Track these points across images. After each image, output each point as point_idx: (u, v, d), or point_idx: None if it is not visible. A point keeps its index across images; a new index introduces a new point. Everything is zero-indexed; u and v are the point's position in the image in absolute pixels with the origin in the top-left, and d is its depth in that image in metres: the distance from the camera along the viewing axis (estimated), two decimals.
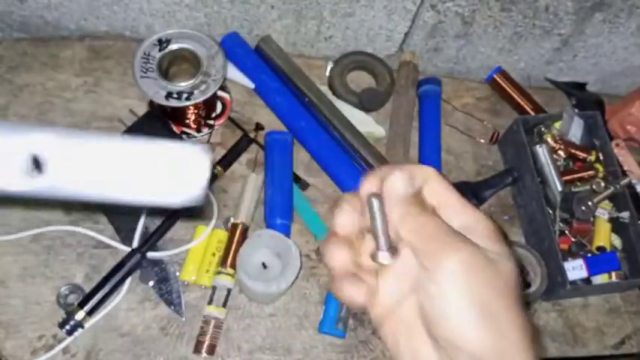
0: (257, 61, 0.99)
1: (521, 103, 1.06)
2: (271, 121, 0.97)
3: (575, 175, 0.97)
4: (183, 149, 0.20)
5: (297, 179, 0.93)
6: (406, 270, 0.33)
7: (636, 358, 0.95)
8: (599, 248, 0.93)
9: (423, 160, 0.98)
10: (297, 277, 0.79)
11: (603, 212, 0.94)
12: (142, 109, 0.92)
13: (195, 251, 0.85)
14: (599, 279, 0.92)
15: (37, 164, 0.20)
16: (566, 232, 0.93)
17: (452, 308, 0.30)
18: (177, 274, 0.84)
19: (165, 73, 0.87)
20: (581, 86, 1.12)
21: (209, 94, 0.85)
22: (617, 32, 0.99)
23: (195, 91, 0.85)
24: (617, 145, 1.01)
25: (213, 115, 0.93)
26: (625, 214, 0.94)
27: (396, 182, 0.33)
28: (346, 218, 0.35)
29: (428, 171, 0.34)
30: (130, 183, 0.20)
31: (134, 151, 0.20)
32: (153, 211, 0.85)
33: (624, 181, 0.94)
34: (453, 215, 0.33)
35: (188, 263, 0.84)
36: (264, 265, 0.81)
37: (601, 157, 0.98)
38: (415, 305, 0.33)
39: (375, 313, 0.34)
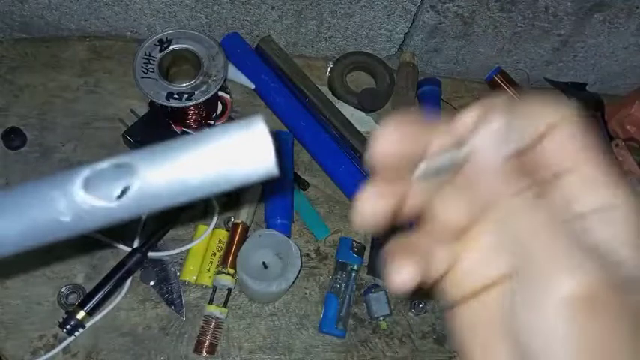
0: (257, 61, 0.99)
1: None
2: (271, 122, 0.97)
3: None
4: (240, 128, 0.20)
5: (297, 179, 0.93)
6: (505, 248, 0.24)
7: None
8: None
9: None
10: (297, 277, 0.80)
11: None
12: (142, 110, 0.92)
13: (196, 251, 0.85)
14: None
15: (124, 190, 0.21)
16: None
17: (553, 346, 0.22)
18: (178, 273, 0.84)
19: (165, 73, 0.88)
20: (580, 86, 1.12)
21: (210, 95, 0.85)
22: (617, 33, 0.99)
23: (196, 92, 0.86)
24: (616, 145, 1.02)
25: (214, 115, 0.93)
26: None
27: (494, 134, 0.22)
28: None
29: (558, 113, 0.24)
30: (210, 174, 0.20)
31: (203, 145, 0.20)
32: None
33: None
34: (582, 191, 0.23)
35: (189, 263, 0.85)
36: (265, 265, 0.81)
37: None
38: (508, 301, 0.23)
39: (453, 289, 0.26)
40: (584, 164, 0.23)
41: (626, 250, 0.23)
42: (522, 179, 0.22)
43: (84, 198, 0.20)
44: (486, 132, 0.22)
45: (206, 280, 0.84)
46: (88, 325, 0.79)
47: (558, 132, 0.23)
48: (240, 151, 0.21)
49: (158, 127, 0.90)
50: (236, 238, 0.85)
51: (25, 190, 0.21)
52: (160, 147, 0.21)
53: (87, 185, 0.20)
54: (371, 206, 0.24)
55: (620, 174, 0.24)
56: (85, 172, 0.20)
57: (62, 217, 0.20)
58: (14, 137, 0.88)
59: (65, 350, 0.78)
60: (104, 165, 0.21)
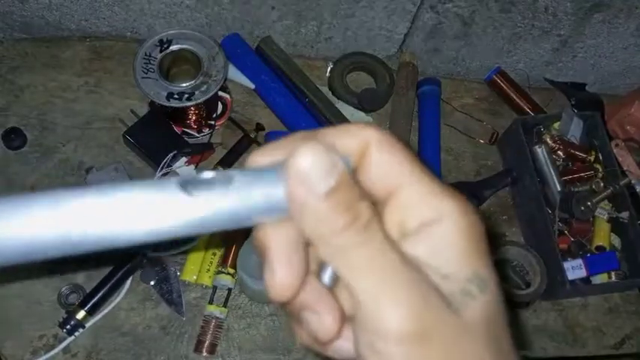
0: (257, 61, 0.99)
1: (521, 103, 1.07)
2: (271, 122, 0.97)
3: (575, 176, 0.97)
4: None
5: None
6: (343, 289, 0.24)
7: (636, 358, 0.96)
8: (598, 248, 0.93)
9: (422, 160, 0.98)
10: None
11: (602, 212, 0.94)
12: (143, 110, 0.92)
13: (196, 251, 0.85)
14: (599, 279, 0.93)
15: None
16: (566, 232, 0.93)
17: None
18: (178, 273, 0.84)
19: (166, 73, 0.88)
20: (580, 86, 1.12)
21: (210, 95, 0.85)
22: (617, 33, 0.99)
23: (196, 92, 0.86)
24: (616, 145, 1.02)
25: (214, 115, 0.94)
26: (624, 214, 0.94)
27: (304, 164, 0.20)
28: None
29: (365, 135, 0.23)
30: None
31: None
32: None
33: (623, 181, 0.94)
34: (408, 206, 0.23)
35: (189, 263, 0.85)
36: None
37: (600, 158, 0.98)
38: (354, 343, 0.23)
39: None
40: (407, 180, 0.23)
41: (451, 264, 0.22)
42: (346, 213, 0.21)
43: None
44: (301, 161, 0.21)
45: (206, 280, 0.84)
46: (88, 325, 0.79)
47: (374, 154, 0.23)
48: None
49: (158, 127, 0.90)
50: (236, 238, 0.85)
51: None
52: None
53: None
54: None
55: (446, 185, 0.24)
56: None
57: None
58: (14, 137, 0.88)
59: (65, 350, 0.78)
60: None
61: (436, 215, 0.23)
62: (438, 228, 0.22)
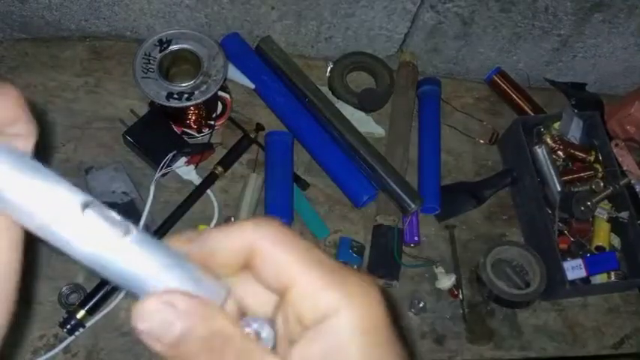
0: (257, 61, 0.99)
1: (521, 103, 1.07)
2: (271, 122, 0.97)
3: (575, 176, 0.97)
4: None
5: (297, 179, 0.93)
6: None
7: (635, 358, 0.96)
8: (598, 248, 0.93)
9: (422, 160, 0.98)
10: None
11: (602, 212, 0.94)
12: (142, 110, 0.92)
13: None
14: (599, 279, 0.93)
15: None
16: (566, 232, 0.93)
17: None
18: None
19: (165, 73, 0.88)
20: (580, 86, 1.12)
21: (210, 95, 0.85)
22: (617, 33, 0.99)
23: (196, 92, 0.86)
24: (616, 145, 1.02)
25: (214, 115, 0.94)
26: (624, 214, 0.94)
27: (142, 326, 0.21)
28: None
29: (252, 235, 0.23)
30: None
31: None
32: (153, 210, 0.86)
33: (623, 181, 0.94)
34: (299, 302, 0.23)
35: None
36: None
37: (600, 158, 0.98)
38: None
39: None
40: (297, 276, 0.23)
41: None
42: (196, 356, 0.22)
43: None
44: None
45: None
46: (88, 325, 0.79)
47: (263, 253, 0.23)
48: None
49: (158, 127, 0.90)
50: None
51: None
52: None
53: None
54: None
55: (343, 271, 0.23)
56: None
57: None
58: None
59: (65, 350, 0.78)
60: None
61: (328, 311, 0.22)
62: (330, 325, 0.22)
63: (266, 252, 0.23)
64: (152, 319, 0.21)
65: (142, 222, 0.85)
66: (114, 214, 0.21)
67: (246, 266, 0.24)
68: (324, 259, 0.23)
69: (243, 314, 0.25)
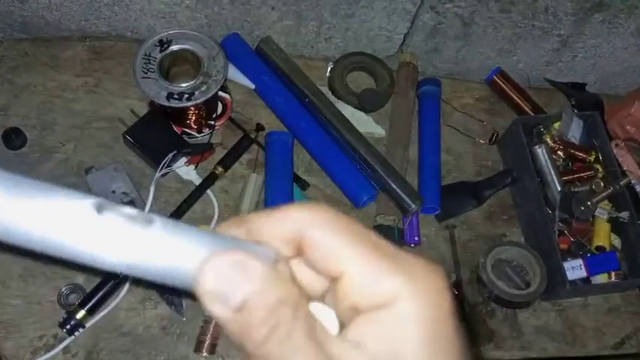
0: (257, 61, 0.99)
1: (521, 103, 1.07)
2: (272, 122, 0.97)
3: (575, 176, 0.97)
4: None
5: (297, 179, 0.93)
6: None
7: (636, 358, 0.96)
8: (598, 248, 0.93)
9: (422, 160, 0.98)
10: None
11: (602, 212, 0.94)
12: (142, 110, 0.92)
13: None
14: (599, 279, 0.93)
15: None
16: (566, 232, 0.93)
17: None
18: None
19: (166, 73, 0.88)
20: (580, 87, 1.12)
21: (210, 95, 0.85)
22: (617, 33, 0.99)
23: (196, 92, 0.86)
24: (616, 145, 1.02)
25: (214, 115, 0.94)
26: (624, 214, 0.94)
27: (208, 286, 0.20)
28: None
29: (300, 218, 0.22)
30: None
31: None
32: (153, 210, 0.85)
33: (623, 181, 0.94)
34: (354, 291, 0.21)
35: None
36: None
37: (600, 158, 0.98)
38: None
39: None
40: (350, 263, 0.21)
41: (408, 354, 0.20)
42: (261, 326, 0.20)
43: None
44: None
45: None
46: (88, 325, 0.79)
47: (313, 238, 0.22)
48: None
49: (158, 128, 0.90)
50: None
51: None
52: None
53: None
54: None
55: (407, 255, 0.22)
56: None
57: None
58: (14, 137, 0.88)
59: (65, 350, 0.78)
60: None
61: (388, 297, 0.21)
62: (390, 312, 0.20)
63: (317, 237, 0.22)
64: (220, 278, 0.20)
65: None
66: (129, 209, 0.20)
67: (296, 252, 0.23)
68: (382, 244, 0.22)
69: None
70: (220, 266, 0.20)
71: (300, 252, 0.23)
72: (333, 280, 0.22)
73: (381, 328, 0.20)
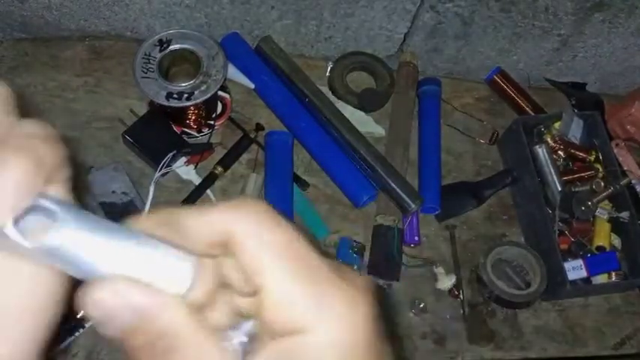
0: (257, 61, 0.99)
1: (521, 103, 1.06)
2: (271, 122, 0.97)
3: (575, 175, 0.97)
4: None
5: (297, 179, 0.93)
6: None
7: (636, 358, 0.96)
8: (598, 248, 0.93)
9: (422, 160, 0.98)
10: None
11: (603, 212, 0.94)
12: (142, 109, 0.92)
13: None
14: (599, 279, 0.92)
15: None
16: (566, 232, 0.93)
17: None
18: None
19: (165, 73, 0.88)
20: (580, 86, 1.12)
21: (209, 95, 0.85)
22: (617, 32, 0.99)
23: (196, 92, 0.86)
24: (616, 145, 1.02)
25: (214, 115, 0.93)
26: (625, 214, 0.94)
27: (96, 313, 0.20)
28: None
29: (232, 220, 0.21)
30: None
31: None
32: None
33: (624, 181, 0.94)
34: (270, 309, 0.20)
35: None
36: None
37: (600, 157, 0.98)
38: None
39: None
40: (272, 279, 0.20)
41: None
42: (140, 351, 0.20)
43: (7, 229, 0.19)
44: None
45: None
46: (88, 325, 0.79)
47: (241, 242, 0.21)
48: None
49: (158, 127, 0.90)
50: None
51: None
52: (100, 224, 0.20)
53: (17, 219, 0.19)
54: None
55: (331, 276, 0.20)
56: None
57: None
58: None
59: (65, 350, 0.78)
60: (42, 203, 0.20)
61: (302, 324, 0.19)
62: (302, 340, 0.19)
63: (243, 245, 0.21)
64: (98, 307, 0.20)
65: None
66: (45, 203, 0.20)
67: (226, 249, 0.21)
68: (308, 260, 0.20)
69: (226, 288, 0.23)
70: (99, 296, 0.20)
71: (229, 250, 0.21)
72: (255, 294, 0.21)
73: (291, 356, 0.19)
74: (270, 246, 0.20)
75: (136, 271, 0.21)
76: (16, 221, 0.19)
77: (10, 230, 0.19)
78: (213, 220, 0.21)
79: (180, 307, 0.20)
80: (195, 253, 0.21)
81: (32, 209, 0.20)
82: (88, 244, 0.20)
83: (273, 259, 0.20)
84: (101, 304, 0.20)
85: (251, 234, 0.21)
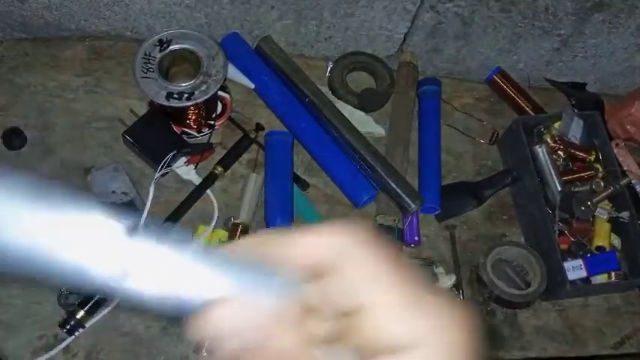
0: (257, 61, 0.99)
1: (521, 103, 1.06)
2: (271, 122, 0.97)
3: (575, 175, 0.97)
4: None
5: (297, 179, 0.93)
6: None
7: (636, 358, 0.96)
8: (598, 248, 0.93)
9: (422, 160, 0.98)
10: None
11: (603, 212, 0.94)
12: (142, 109, 0.92)
13: None
14: (599, 279, 0.92)
15: None
16: (566, 232, 0.93)
17: None
18: None
19: (165, 73, 0.88)
20: (580, 86, 1.12)
21: (209, 95, 0.85)
22: (617, 32, 0.99)
23: (196, 92, 0.86)
24: (616, 145, 1.02)
25: (214, 115, 0.93)
26: (624, 214, 0.94)
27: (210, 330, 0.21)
28: None
29: (335, 243, 0.21)
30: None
31: None
32: (153, 211, 0.85)
33: (624, 181, 0.94)
34: (376, 327, 0.20)
35: None
36: None
37: (600, 157, 0.98)
38: None
39: None
40: (376, 298, 0.20)
41: None
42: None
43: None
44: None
45: None
46: (88, 325, 0.79)
47: (344, 264, 0.21)
48: None
49: (158, 127, 0.90)
50: (236, 238, 0.85)
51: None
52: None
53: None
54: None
55: (433, 298, 0.21)
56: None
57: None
58: (14, 137, 0.88)
59: (65, 350, 0.78)
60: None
61: (404, 343, 0.20)
62: (417, 352, 0.20)
63: (346, 266, 0.21)
64: (213, 326, 0.20)
65: (141, 222, 0.85)
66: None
67: (316, 275, 0.21)
68: (409, 283, 0.21)
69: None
70: (212, 316, 0.20)
71: (316, 277, 0.21)
72: (345, 314, 0.21)
73: None
74: (378, 265, 0.21)
75: (243, 292, 0.21)
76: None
77: None
78: (313, 245, 0.22)
79: (295, 328, 0.21)
80: (293, 277, 0.22)
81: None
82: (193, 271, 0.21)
83: (380, 277, 0.21)
84: (216, 323, 0.20)
85: (357, 256, 0.21)
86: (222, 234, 0.86)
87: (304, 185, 0.93)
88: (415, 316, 0.20)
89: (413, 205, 0.90)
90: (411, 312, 0.20)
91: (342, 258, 0.21)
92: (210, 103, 0.90)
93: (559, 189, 0.94)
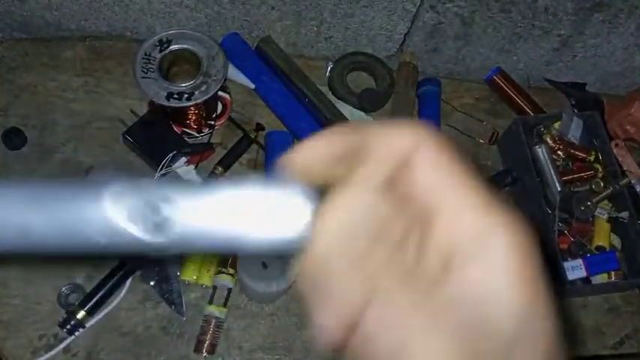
0: (257, 61, 0.99)
1: (521, 103, 1.07)
2: (271, 122, 0.97)
3: (575, 175, 0.97)
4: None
5: None
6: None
7: (636, 358, 0.96)
8: (598, 248, 0.93)
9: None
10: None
11: (602, 212, 0.94)
12: (142, 110, 0.92)
13: None
14: (599, 279, 0.93)
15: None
16: (566, 232, 0.93)
17: None
18: (178, 273, 0.84)
19: (165, 73, 0.88)
20: (580, 86, 1.12)
21: (210, 95, 0.85)
22: (617, 32, 0.99)
23: (196, 92, 0.86)
24: (616, 145, 1.02)
25: (214, 115, 0.94)
26: (624, 214, 0.94)
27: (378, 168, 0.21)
28: None
29: (412, 138, 0.21)
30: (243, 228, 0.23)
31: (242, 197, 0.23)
32: None
33: (623, 181, 0.94)
34: (452, 223, 0.21)
35: (189, 263, 0.85)
36: (265, 265, 0.81)
37: (600, 158, 0.98)
38: None
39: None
40: (454, 192, 0.21)
41: (503, 292, 0.20)
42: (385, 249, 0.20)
43: (125, 227, 0.21)
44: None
45: (206, 280, 0.84)
46: (88, 325, 0.79)
47: (419, 159, 0.21)
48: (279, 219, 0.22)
49: (158, 127, 0.90)
50: None
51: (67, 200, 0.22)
52: (207, 201, 0.22)
53: (130, 214, 0.21)
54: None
55: (497, 197, 0.22)
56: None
57: (98, 238, 0.22)
58: (14, 137, 0.88)
59: (65, 350, 0.78)
60: (153, 197, 0.22)
61: (487, 231, 0.20)
62: (488, 246, 0.20)
63: (423, 162, 0.21)
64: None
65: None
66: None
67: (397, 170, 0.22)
68: (476, 179, 0.22)
69: None
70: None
71: (393, 176, 0.21)
72: (423, 216, 0.21)
73: (480, 264, 0.20)
74: (452, 165, 0.21)
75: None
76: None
77: None
78: (395, 138, 0.21)
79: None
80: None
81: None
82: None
83: (456, 172, 0.21)
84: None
85: (434, 154, 0.21)
86: None
87: None
88: (487, 208, 0.21)
89: None
90: (484, 203, 0.21)
91: (417, 152, 0.21)
92: (210, 104, 0.91)
93: (559, 189, 0.94)
